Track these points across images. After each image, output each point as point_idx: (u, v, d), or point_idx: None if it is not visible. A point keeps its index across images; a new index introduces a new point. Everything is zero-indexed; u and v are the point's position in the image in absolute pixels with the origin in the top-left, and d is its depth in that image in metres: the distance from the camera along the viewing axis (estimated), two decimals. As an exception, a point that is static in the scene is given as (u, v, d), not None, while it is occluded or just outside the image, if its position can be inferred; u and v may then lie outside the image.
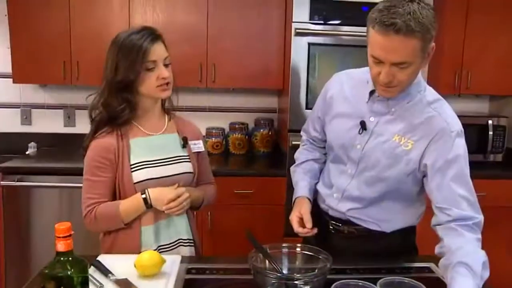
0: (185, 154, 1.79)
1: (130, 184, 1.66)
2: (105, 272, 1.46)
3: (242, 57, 3.21)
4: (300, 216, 1.61)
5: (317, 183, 1.79)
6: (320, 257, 1.43)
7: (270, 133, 3.46)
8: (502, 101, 3.66)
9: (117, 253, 1.68)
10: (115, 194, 1.69)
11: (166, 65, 1.67)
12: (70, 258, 1.10)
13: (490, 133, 3.30)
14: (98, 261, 1.53)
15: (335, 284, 1.27)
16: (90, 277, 1.40)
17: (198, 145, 1.84)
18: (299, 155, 1.85)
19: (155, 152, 1.72)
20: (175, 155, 1.76)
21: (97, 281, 1.40)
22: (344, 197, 1.65)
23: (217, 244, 2.99)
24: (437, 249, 1.45)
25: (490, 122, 3.31)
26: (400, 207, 1.64)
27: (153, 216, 1.70)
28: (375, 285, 1.29)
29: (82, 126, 3.39)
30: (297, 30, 2.89)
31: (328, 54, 2.94)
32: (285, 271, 1.45)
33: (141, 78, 1.63)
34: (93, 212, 1.65)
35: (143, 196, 1.64)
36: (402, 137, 1.52)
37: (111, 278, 1.43)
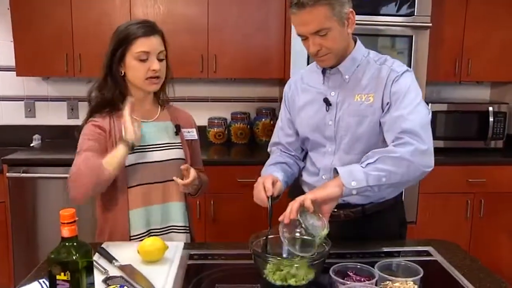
0: (177, 141, 1.81)
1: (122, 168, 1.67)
2: (109, 258, 1.50)
3: (243, 48, 3.23)
4: (270, 188, 1.59)
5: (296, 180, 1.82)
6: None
7: (271, 122, 3.48)
8: (503, 87, 3.67)
9: (108, 238, 1.72)
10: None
11: (160, 60, 1.69)
12: (74, 244, 1.13)
13: (491, 119, 3.30)
14: (103, 248, 1.57)
15: (333, 267, 1.30)
16: (95, 263, 1.44)
17: (191, 133, 1.86)
18: (269, 161, 1.83)
19: (147, 138, 1.74)
20: (167, 142, 1.78)
21: (102, 267, 1.44)
22: (333, 175, 1.66)
23: (221, 233, 3.04)
24: None
25: (490, 109, 3.31)
26: None
27: (141, 198, 1.72)
28: (374, 268, 1.32)
29: (86, 118, 3.42)
30: (297, 19, 2.90)
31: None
32: (285, 255, 1.48)
33: (132, 67, 1.67)
34: (75, 167, 1.61)
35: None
36: (362, 94, 1.62)
37: (115, 264, 1.47)
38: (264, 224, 2.88)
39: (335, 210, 1.69)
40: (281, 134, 1.86)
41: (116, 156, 1.61)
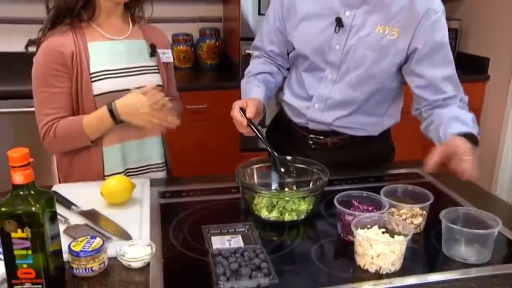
0: (153, 64, 1.56)
1: (89, 97, 1.42)
2: (67, 204, 1.26)
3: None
4: (244, 106, 1.38)
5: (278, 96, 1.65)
6: (314, 169, 1.30)
7: (217, 44, 3.21)
8: (454, 3, 3.59)
9: (77, 179, 1.47)
10: (73, 110, 1.45)
11: None
12: (32, 191, 0.89)
13: (441, 36, 3.23)
14: (55, 192, 1.31)
15: (337, 197, 1.15)
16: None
17: (167, 55, 1.61)
18: (252, 68, 1.64)
19: (119, 60, 1.47)
20: (142, 65, 1.52)
21: (60, 215, 1.19)
22: (327, 106, 1.51)
23: (172, 165, 2.82)
24: (422, 127, 1.48)
25: (441, 24, 3.23)
26: (388, 105, 1.55)
27: (118, 134, 1.48)
28: (378, 194, 1.19)
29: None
30: None
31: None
32: (274, 187, 1.31)
33: None
34: (52, 129, 1.42)
35: (109, 108, 1.40)
36: (386, 26, 1.38)
37: (75, 210, 1.24)
38: (226, 152, 2.70)
39: (321, 137, 1.56)
40: (265, 39, 1.61)
41: (100, 126, 1.43)
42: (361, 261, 1.02)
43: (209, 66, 3.23)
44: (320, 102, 1.51)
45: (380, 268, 0.99)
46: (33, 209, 0.87)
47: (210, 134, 2.81)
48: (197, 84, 2.96)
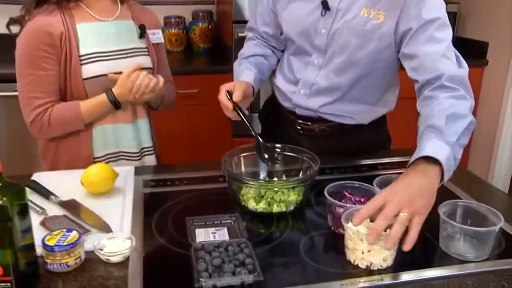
0: (143, 46, 1.50)
1: (78, 81, 1.36)
2: (46, 193, 1.20)
3: None
4: (232, 89, 1.34)
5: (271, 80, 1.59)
6: (304, 158, 1.24)
7: (209, 27, 3.12)
8: (451, -15, 3.52)
9: (66, 165, 1.43)
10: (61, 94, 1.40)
11: None
12: (-1, 183, 0.83)
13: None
14: (34, 181, 1.25)
15: (327, 187, 1.10)
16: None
17: (157, 35, 1.55)
18: (245, 50, 1.59)
19: (108, 42, 1.42)
20: (132, 47, 1.46)
21: (38, 206, 1.14)
22: (313, 92, 1.45)
23: (162, 152, 2.76)
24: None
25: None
26: (379, 92, 1.48)
27: (108, 115, 1.44)
28: (371, 184, 1.14)
29: None
30: None
31: None
32: (262, 176, 1.26)
33: None
34: (45, 115, 1.36)
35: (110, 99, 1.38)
36: (371, 9, 1.31)
37: (54, 200, 1.18)
38: (218, 139, 2.63)
39: (309, 123, 1.50)
40: (259, 20, 1.56)
41: (99, 115, 1.41)
42: (351, 256, 0.97)
43: (202, 49, 3.15)
44: (305, 88, 1.46)
45: (371, 263, 0.94)
46: (0, 202, 0.81)
47: (202, 119, 2.74)
48: (188, 68, 2.88)
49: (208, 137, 2.77)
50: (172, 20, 3.11)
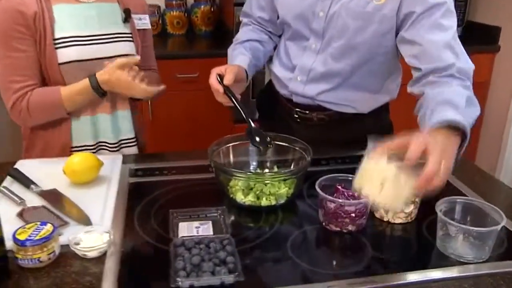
0: (127, 31, 1.43)
1: (54, 66, 1.30)
2: (26, 182, 1.15)
3: None
4: (223, 72, 1.27)
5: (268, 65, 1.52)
6: (296, 148, 1.18)
7: (212, 10, 3.04)
8: (462, -32, 3.39)
9: (40, 151, 1.37)
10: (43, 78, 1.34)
11: None
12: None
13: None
14: (16, 169, 1.21)
15: (319, 181, 1.04)
16: (6, 191, 1.10)
17: (143, 21, 1.48)
18: (240, 35, 1.52)
19: (87, 26, 1.34)
20: (114, 32, 1.39)
21: (16, 196, 1.09)
22: (310, 78, 1.38)
23: (160, 138, 2.70)
24: (415, 109, 1.18)
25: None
26: (381, 80, 1.40)
27: (89, 105, 1.38)
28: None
29: None
30: None
31: None
32: (253, 166, 1.20)
33: None
34: (24, 100, 1.30)
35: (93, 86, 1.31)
36: None
37: (34, 190, 1.13)
38: (218, 124, 2.55)
39: (307, 112, 1.43)
40: (254, 4, 1.50)
41: (82, 96, 1.33)
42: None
43: (204, 33, 3.08)
44: (302, 74, 1.39)
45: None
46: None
47: (201, 104, 2.67)
48: (188, 51, 2.81)
49: (208, 122, 2.71)
50: (174, 2, 3.03)
